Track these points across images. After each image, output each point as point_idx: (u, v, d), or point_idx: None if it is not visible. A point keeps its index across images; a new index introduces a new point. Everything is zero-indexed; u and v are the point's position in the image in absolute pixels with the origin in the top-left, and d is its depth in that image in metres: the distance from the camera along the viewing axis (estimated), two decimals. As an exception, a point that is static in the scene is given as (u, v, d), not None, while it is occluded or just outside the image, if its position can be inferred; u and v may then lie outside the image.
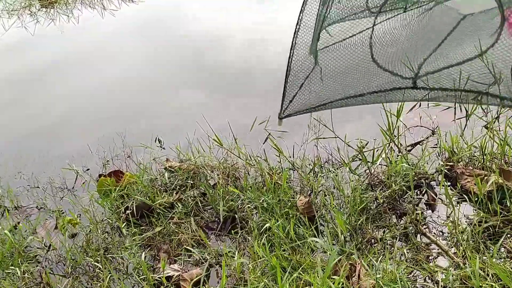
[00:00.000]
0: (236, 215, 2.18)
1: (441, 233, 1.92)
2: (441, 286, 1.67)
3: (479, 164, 2.15)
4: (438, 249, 1.83)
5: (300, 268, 1.78)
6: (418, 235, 1.92)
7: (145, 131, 2.97)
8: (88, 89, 3.64)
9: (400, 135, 2.39)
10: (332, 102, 2.85)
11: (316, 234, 1.97)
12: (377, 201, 2.08)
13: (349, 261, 1.76)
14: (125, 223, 2.25)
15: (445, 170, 2.11)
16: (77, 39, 4.49)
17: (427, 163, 2.25)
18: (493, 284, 1.59)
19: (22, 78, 3.96)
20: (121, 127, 3.02)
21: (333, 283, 1.63)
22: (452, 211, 1.95)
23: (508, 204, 1.88)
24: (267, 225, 1.96)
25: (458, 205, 2.02)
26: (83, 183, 2.66)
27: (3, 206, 2.60)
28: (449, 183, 2.13)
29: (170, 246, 2.11)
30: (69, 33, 4.60)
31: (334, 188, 2.24)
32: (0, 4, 5.55)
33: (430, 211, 2.04)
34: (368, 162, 2.28)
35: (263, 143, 2.63)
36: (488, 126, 2.37)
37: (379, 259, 1.77)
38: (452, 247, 1.83)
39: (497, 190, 1.89)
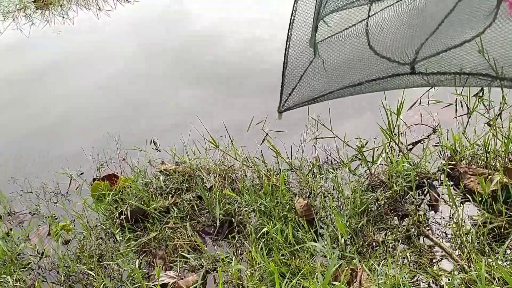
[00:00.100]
0: (233, 219, 2.12)
1: (444, 235, 1.86)
2: (446, 290, 1.62)
3: (482, 162, 2.08)
4: (442, 252, 1.77)
5: (300, 274, 1.72)
6: (421, 237, 1.86)
7: (141, 132, 2.91)
8: (83, 90, 3.58)
9: (401, 133, 2.33)
10: (331, 92, 2.78)
11: (316, 238, 1.91)
12: (378, 202, 2.02)
13: (350, 265, 1.70)
14: (119, 229, 2.18)
15: (448, 170, 2.05)
16: (73, 40, 4.43)
17: (429, 162, 2.19)
18: (500, 288, 1.53)
19: (17, 79, 3.90)
20: (117, 129, 2.96)
21: (334, 290, 1.57)
22: (455, 212, 1.88)
23: (513, 204, 1.82)
24: (265, 229, 1.90)
25: (461, 205, 1.95)
26: (77, 188, 2.60)
27: (-4, 212, 2.55)
28: (451, 183, 2.07)
29: (166, 252, 2.05)
30: (65, 35, 4.54)
31: (333, 189, 2.18)
32: (-6, 6, 5.49)
33: (432, 212, 1.97)
34: (368, 162, 2.21)
35: (260, 144, 2.57)
36: (491, 123, 2.30)
37: (381, 263, 1.71)
38: (456, 250, 1.77)
39: (501, 190, 1.84)
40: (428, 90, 2.75)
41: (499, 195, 1.82)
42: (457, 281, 1.61)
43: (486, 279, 1.55)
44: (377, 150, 2.28)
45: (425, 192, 2.07)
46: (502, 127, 2.20)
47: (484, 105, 2.47)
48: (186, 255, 1.98)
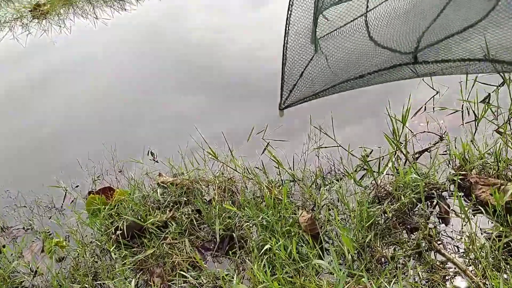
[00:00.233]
0: (234, 233, 2.02)
1: (457, 250, 1.77)
2: (460, 309, 1.52)
3: (494, 172, 1.99)
4: (455, 268, 1.67)
5: (305, 293, 1.62)
6: (432, 252, 1.76)
7: (138, 143, 2.82)
8: (79, 100, 3.50)
9: (407, 142, 2.24)
10: (333, 86, 2.70)
11: (321, 254, 1.82)
12: (386, 215, 1.92)
13: (358, 285, 1.61)
14: (115, 245, 2.09)
15: (458, 180, 1.96)
16: (69, 49, 4.36)
17: (437, 172, 2.10)
18: (519, 307, 1.44)
19: (12, 90, 3.83)
20: (113, 139, 2.88)
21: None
22: (467, 225, 1.79)
23: (528, 216, 1.72)
24: (267, 246, 1.80)
25: (473, 217, 1.86)
26: (72, 201, 2.51)
27: (-11, 229, 2.46)
28: (462, 193, 1.98)
29: (164, 270, 1.95)
30: (61, 44, 4.48)
31: (338, 201, 2.09)
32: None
33: (443, 225, 1.88)
34: (374, 172, 2.12)
35: (261, 154, 2.48)
36: (501, 130, 2.21)
37: (392, 282, 1.61)
38: (470, 265, 1.68)
39: (515, 201, 1.74)
40: (433, 96, 2.67)
41: (514, 207, 1.73)
42: (473, 300, 1.52)
43: (503, 298, 1.46)
44: (383, 159, 2.19)
45: (434, 204, 1.98)
46: (512, 134, 2.11)
47: (492, 111, 2.38)
48: (185, 274, 1.88)
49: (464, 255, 1.73)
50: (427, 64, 2.68)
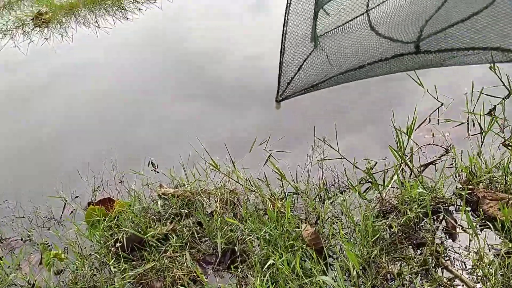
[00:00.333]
0: (235, 247, 1.98)
1: (464, 266, 1.72)
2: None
3: (501, 186, 1.95)
4: (463, 286, 1.63)
5: (309, 310, 1.58)
6: (439, 269, 1.72)
7: (139, 152, 2.79)
8: (79, 109, 3.47)
9: (412, 154, 2.21)
10: (332, 78, 2.64)
11: (325, 269, 1.78)
12: (391, 229, 1.88)
13: (364, 302, 1.57)
14: (114, 258, 2.05)
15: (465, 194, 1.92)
16: (71, 57, 4.35)
17: (443, 186, 2.06)
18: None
19: (12, 98, 3.81)
20: (114, 149, 2.85)
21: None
22: (475, 241, 1.75)
23: (538, 232, 1.69)
24: (270, 261, 1.76)
25: (480, 232, 1.82)
26: (71, 212, 2.47)
27: (-14, 240, 2.42)
28: (469, 208, 1.94)
29: (164, 284, 1.91)
30: (63, 52, 4.46)
31: (342, 214, 2.05)
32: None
33: (450, 240, 1.84)
34: (379, 185, 2.09)
35: (263, 165, 2.45)
36: (508, 143, 2.18)
37: (398, 300, 1.57)
38: (478, 283, 1.63)
39: (524, 217, 1.70)
40: (438, 108, 2.64)
41: (522, 223, 1.69)
42: (482, 319, 1.47)
43: (514, 318, 1.41)
44: (387, 171, 2.15)
45: (440, 218, 1.94)
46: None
47: (498, 124, 2.35)
48: (186, 288, 1.84)
49: (472, 272, 1.69)
50: (430, 54, 2.61)
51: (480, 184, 1.99)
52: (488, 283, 1.60)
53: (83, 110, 3.43)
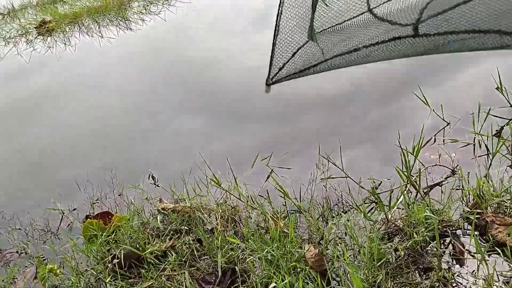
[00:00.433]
0: (236, 267, 1.92)
1: (473, 294, 1.67)
2: None
3: (510, 210, 1.91)
4: (472, 315, 1.58)
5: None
6: (447, 296, 1.67)
7: (139, 165, 2.75)
8: (80, 119, 3.44)
9: (419, 175, 2.16)
10: (326, 60, 2.55)
11: (329, 293, 1.72)
12: (397, 253, 1.83)
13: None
14: (111, 275, 1.99)
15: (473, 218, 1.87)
16: (73, 67, 4.33)
17: (450, 208, 2.01)
18: None
19: (13, 107, 3.78)
20: (113, 161, 2.81)
21: None
22: (483, 266, 1.70)
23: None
24: (273, 284, 1.70)
25: (488, 258, 1.77)
26: (68, 225, 2.42)
27: (-19, 252, 2.36)
28: (477, 232, 1.89)
29: (161, 304, 1.85)
30: (65, 61, 4.44)
31: (346, 235, 2.00)
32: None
33: (458, 265, 1.78)
34: (384, 205, 2.04)
35: (265, 181, 2.40)
36: (516, 166, 2.14)
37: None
38: (487, 312, 1.58)
39: (535, 243, 1.65)
40: (444, 128, 2.60)
41: (533, 249, 1.64)
42: None
43: None
44: (392, 191, 2.11)
45: (447, 242, 1.88)
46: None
47: (506, 146, 2.31)
48: (184, 309, 1.78)
49: (481, 300, 1.63)
50: (428, 37, 2.53)
51: (488, 208, 1.94)
52: (498, 313, 1.54)
53: (83, 120, 3.40)
